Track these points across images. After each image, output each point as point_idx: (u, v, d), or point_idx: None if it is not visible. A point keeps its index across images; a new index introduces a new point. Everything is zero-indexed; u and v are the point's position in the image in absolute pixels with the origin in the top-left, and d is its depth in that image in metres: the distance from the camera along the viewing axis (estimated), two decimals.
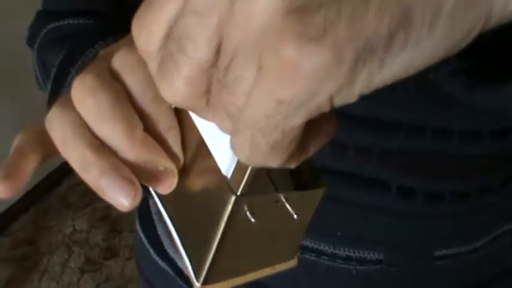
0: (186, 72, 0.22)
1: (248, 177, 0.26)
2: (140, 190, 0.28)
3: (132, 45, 0.30)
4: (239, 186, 0.26)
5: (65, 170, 2.22)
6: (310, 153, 0.24)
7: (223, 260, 0.28)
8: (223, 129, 0.23)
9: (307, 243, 0.48)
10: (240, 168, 0.26)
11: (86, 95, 0.29)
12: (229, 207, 0.26)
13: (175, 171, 0.30)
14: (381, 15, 0.19)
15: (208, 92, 0.22)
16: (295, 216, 0.28)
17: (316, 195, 0.30)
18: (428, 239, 0.48)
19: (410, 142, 0.43)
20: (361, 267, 0.48)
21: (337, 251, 0.47)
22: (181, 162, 0.30)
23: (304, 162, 0.28)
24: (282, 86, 0.19)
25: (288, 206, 0.28)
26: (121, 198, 0.28)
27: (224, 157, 0.27)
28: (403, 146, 0.43)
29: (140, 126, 0.29)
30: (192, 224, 0.29)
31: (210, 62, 0.21)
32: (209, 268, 0.28)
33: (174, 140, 0.30)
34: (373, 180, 0.45)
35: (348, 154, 0.44)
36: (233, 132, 0.22)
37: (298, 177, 0.31)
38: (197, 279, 0.28)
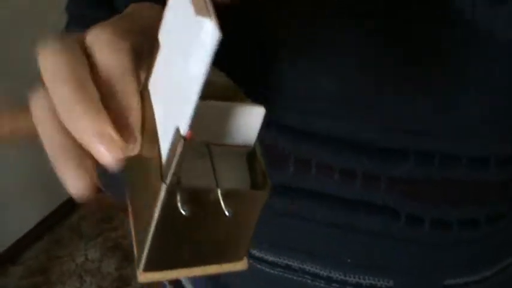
0: None
1: (177, 164, 0.26)
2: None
3: (107, 23, 0.31)
4: (168, 175, 0.26)
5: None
6: None
7: (162, 249, 0.29)
8: None
9: (317, 270, 0.48)
10: (170, 154, 0.26)
11: (47, 55, 0.30)
12: (161, 196, 0.26)
13: (123, 144, 0.29)
14: None
15: None
16: (226, 213, 0.27)
17: (259, 197, 0.29)
18: (437, 267, 0.48)
19: (419, 169, 0.43)
20: None
21: (347, 278, 0.47)
22: (139, 144, 0.30)
23: (258, 162, 0.31)
24: None
25: (222, 202, 0.27)
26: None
27: (166, 145, 0.27)
28: (411, 173, 0.43)
29: (95, 94, 0.29)
30: (141, 213, 0.30)
31: None
32: (148, 256, 0.29)
33: (135, 121, 0.30)
34: (382, 207, 0.45)
35: (356, 182, 0.44)
36: None
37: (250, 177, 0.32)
38: (138, 266, 0.29)
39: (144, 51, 0.32)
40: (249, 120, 0.30)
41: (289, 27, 0.41)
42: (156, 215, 0.27)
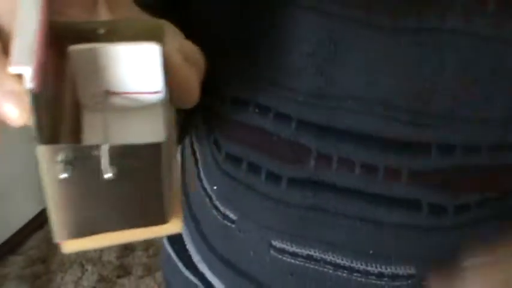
0: None
1: (35, 120, 0.23)
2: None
3: None
4: (34, 133, 0.24)
5: None
6: None
7: (70, 215, 0.27)
8: None
9: (338, 260, 0.49)
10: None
11: None
12: (39, 157, 0.24)
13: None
14: None
15: None
16: (107, 175, 0.24)
17: (155, 149, 0.25)
18: (456, 249, 0.48)
19: (441, 161, 0.43)
20: (393, 283, 0.49)
21: (369, 268, 0.48)
22: None
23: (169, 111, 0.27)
24: None
25: (102, 162, 0.24)
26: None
27: None
28: (433, 165, 0.44)
29: None
30: None
31: None
32: (57, 225, 0.27)
33: None
34: (404, 199, 0.45)
35: (377, 176, 0.44)
36: None
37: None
38: (54, 236, 0.28)
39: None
40: (146, 62, 0.27)
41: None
42: (44, 179, 0.25)
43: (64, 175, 0.24)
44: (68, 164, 0.24)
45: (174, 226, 0.30)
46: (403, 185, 0.44)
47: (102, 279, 2.00)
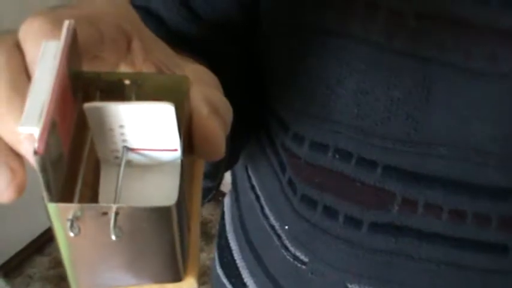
0: None
1: (44, 181, 0.24)
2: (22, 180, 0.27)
3: (40, 13, 0.28)
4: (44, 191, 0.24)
5: None
6: None
7: (84, 269, 0.27)
8: None
9: None
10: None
11: None
12: (49, 215, 0.25)
13: None
14: None
15: None
16: (113, 237, 0.24)
17: (162, 213, 0.25)
18: None
19: None
20: None
21: None
22: None
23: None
24: None
25: (111, 223, 0.24)
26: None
27: None
28: None
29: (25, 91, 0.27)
30: None
31: None
32: (72, 278, 0.28)
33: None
34: (492, 244, 0.44)
35: (466, 222, 0.44)
36: None
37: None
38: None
39: (93, 40, 0.29)
40: (160, 120, 0.27)
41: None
42: (55, 233, 0.26)
43: (71, 234, 0.25)
44: (76, 222, 0.25)
45: (189, 284, 0.30)
46: (492, 230, 0.43)
47: None
